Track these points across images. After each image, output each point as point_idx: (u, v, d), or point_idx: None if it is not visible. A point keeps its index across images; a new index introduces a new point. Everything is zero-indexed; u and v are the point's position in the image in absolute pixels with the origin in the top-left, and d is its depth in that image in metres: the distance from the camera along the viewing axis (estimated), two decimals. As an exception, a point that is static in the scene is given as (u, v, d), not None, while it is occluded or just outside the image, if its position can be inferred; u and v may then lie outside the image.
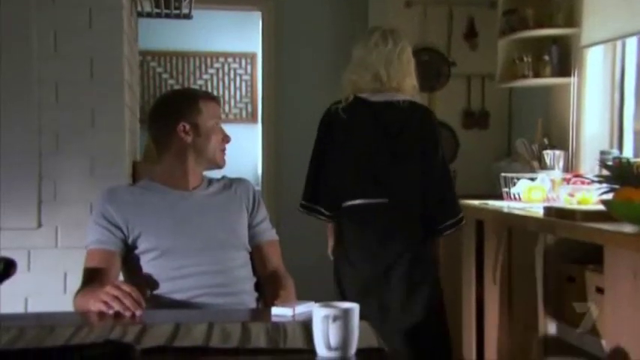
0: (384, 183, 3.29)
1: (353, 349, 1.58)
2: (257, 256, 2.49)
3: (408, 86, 3.36)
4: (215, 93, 6.76)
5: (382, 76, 3.32)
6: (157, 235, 2.33)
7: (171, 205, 2.39)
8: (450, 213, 3.35)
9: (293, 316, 1.95)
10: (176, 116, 2.40)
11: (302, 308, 1.98)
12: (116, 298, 1.99)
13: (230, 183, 2.55)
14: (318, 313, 1.58)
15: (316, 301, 2.00)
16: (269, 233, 2.54)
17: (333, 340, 1.56)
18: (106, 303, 1.99)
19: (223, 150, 2.48)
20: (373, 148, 3.31)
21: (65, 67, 3.46)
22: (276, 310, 1.99)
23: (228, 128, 2.55)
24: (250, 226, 2.49)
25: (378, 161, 3.31)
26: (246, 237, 2.46)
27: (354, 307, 1.60)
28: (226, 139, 2.48)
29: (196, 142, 2.41)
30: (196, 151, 2.42)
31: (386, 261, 3.27)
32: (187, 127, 2.39)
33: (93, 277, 2.27)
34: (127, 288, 2.02)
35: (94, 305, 2.02)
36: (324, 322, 1.56)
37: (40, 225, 3.45)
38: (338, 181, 3.35)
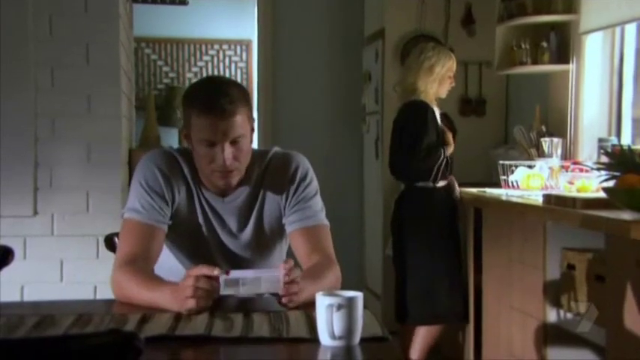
0: None
1: (357, 339, 1.56)
2: (293, 244, 2.20)
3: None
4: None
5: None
6: (184, 252, 2.18)
7: (203, 222, 2.15)
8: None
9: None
10: (182, 117, 2.17)
11: (258, 273, 1.82)
12: (208, 292, 1.77)
13: (261, 181, 2.17)
14: (322, 302, 1.55)
15: None
16: (301, 222, 2.16)
17: (337, 329, 1.54)
18: (197, 300, 1.76)
19: (220, 172, 2.04)
20: None
21: (61, 51, 3.43)
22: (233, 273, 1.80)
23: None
24: (287, 215, 2.18)
25: None
26: (278, 241, 2.25)
27: (359, 295, 1.58)
28: (217, 165, 2.02)
29: (194, 153, 2.10)
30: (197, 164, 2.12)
31: None
32: (185, 133, 2.11)
33: (135, 257, 2.00)
34: (213, 281, 1.78)
35: (184, 304, 1.76)
36: (328, 310, 1.54)
37: (36, 212, 3.42)
38: None
